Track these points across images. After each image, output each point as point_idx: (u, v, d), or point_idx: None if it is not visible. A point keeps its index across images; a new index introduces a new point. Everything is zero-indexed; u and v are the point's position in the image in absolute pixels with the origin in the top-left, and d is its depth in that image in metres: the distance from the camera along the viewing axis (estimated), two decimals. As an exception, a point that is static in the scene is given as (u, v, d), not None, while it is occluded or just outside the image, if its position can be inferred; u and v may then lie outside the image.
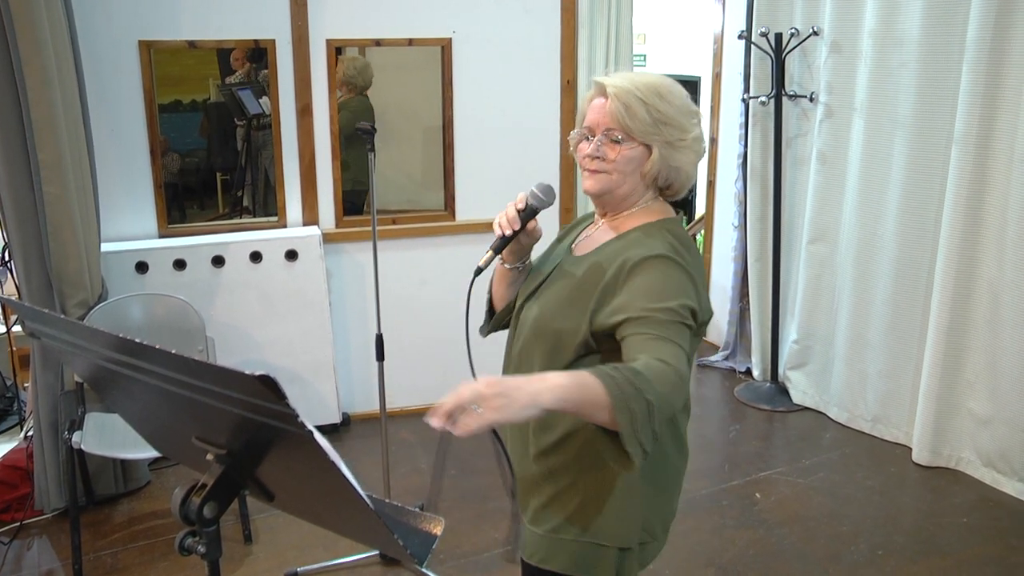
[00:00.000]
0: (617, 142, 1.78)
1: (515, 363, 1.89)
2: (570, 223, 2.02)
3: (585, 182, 1.84)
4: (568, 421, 1.79)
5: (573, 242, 1.96)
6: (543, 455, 1.84)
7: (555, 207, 4.70)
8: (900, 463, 4.35)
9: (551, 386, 1.41)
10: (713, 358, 5.71)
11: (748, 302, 5.39)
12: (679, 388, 1.55)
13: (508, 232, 1.85)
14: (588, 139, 1.83)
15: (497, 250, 1.87)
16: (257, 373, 1.11)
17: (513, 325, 1.96)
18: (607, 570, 1.82)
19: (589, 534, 1.81)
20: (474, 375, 1.58)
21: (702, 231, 6.41)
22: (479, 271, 1.85)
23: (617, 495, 1.80)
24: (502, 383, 1.38)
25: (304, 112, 4.38)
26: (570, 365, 1.75)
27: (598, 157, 1.80)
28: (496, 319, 2.06)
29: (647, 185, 1.83)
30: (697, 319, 1.71)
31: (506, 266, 1.96)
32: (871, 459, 4.40)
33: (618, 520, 1.81)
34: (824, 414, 4.89)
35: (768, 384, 5.22)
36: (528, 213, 1.86)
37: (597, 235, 1.89)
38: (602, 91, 1.80)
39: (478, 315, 2.08)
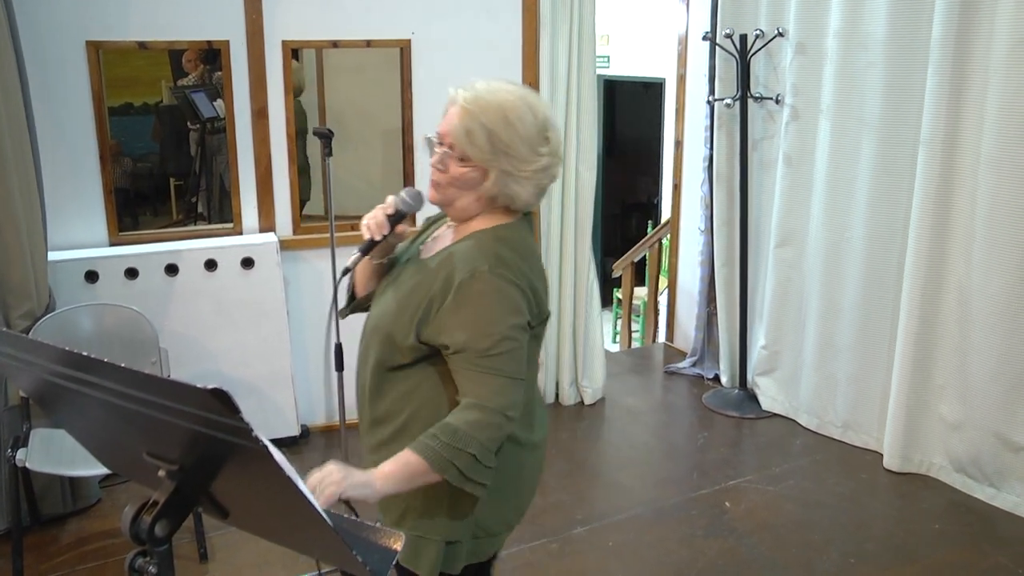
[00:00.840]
0: (459, 159, 1.85)
1: (359, 361, 2.00)
2: (408, 237, 2.08)
3: (429, 190, 1.93)
4: (396, 416, 1.91)
5: (423, 242, 2.07)
6: (377, 449, 1.95)
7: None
8: (871, 469, 4.39)
9: (381, 475, 1.72)
10: (680, 364, 5.73)
11: (715, 307, 5.42)
12: (500, 426, 1.76)
13: (377, 237, 1.94)
14: (439, 144, 1.89)
15: (364, 252, 1.96)
16: (209, 387, 1.11)
17: (366, 323, 2.05)
18: (429, 560, 1.93)
19: (416, 529, 1.94)
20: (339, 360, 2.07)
21: (668, 236, 6.44)
22: (347, 271, 1.98)
23: (445, 498, 1.91)
24: (346, 469, 1.70)
25: (259, 115, 4.35)
26: (404, 368, 1.87)
27: (440, 169, 1.88)
28: (356, 304, 2.16)
29: (486, 204, 1.90)
30: (532, 327, 1.85)
31: (373, 260, 2.04)
32: (842, 466, 4.44)
33: (448, 518, 1.93)
34: (794, 420, 4.93)
35: (736, 391, 5.24)
36: (396, 218, 1.95)
37: (442, 238, 2.00)
38: (455, 103, 1.87)
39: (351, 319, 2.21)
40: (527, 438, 2.00)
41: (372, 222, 1.94)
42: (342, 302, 2.19)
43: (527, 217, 1.98)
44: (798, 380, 4.91)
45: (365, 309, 2.11)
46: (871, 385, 4.51)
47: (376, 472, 1.73)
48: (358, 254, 1.96)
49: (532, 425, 2.01)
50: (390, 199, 1.96)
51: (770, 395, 5.08)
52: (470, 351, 1.77)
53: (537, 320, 1.88)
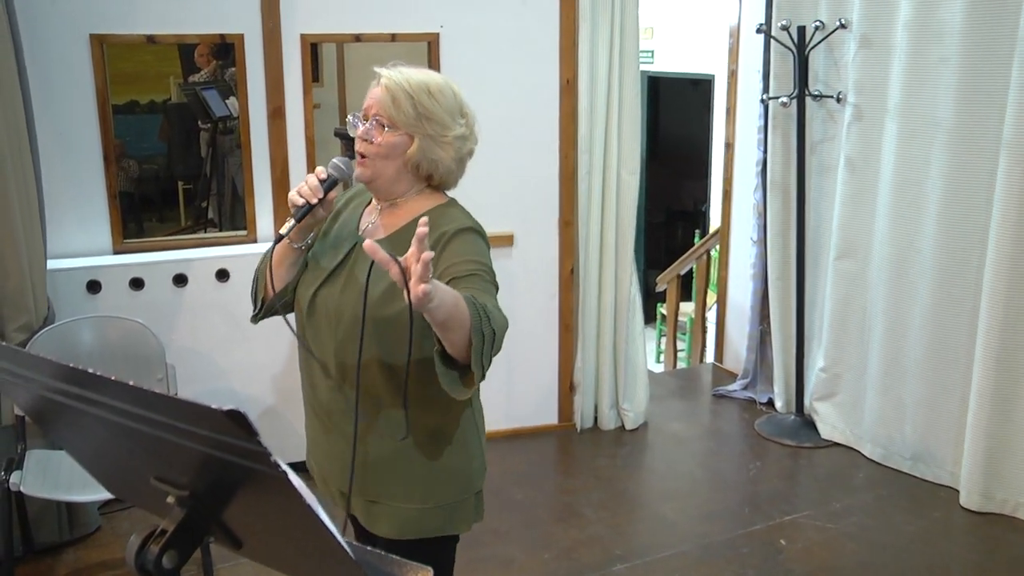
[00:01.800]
0: (384, 127, 2.12)
1: (338, 354, 2.14)
2: (332, 209, 2.25)
3: (356, 170, 2.16)
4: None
5: (359, 229, 2.25)
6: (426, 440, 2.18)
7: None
8: (945, 507, 4.32)
9: (441, 291, 1.75)
10: (730, 387, 5.70)
11: (769, 325, 5.39)
12: (504, 327, 1.92)
13: (313, 200, 2.10)
14: (363, 123, 2.16)
15: (299, 219, 2.11)
16: (225, 407, 1.11)
17: (308, 313, 2.20)
18: (467, 516, 2.27)
19: (449, 495, 2.22)
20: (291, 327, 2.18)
21: (716, 246, 6.41)
22: (281, 238, 2.13)
23: (461, 451, 2.22)
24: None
25: (276, 114, 4.38)
26: (412, 346, 1.98)
27: (366, 140, 2.13)
28: (270, 304, 2.28)
29: (411, 173, 2.17)
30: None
31: (293, 245, 2.19)
32: (911, 502, 4.38)
33: (470, 471, 2.25)
34: (856, 451, 4.87)
35: (792, 416, 5.20)
36: (329, 183, 2.13)
37: (387, 221, 2.21)
38: (378, 80, 2.15)
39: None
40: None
41: (305, 187, 2.11)
42: (255, 302, 2.35)
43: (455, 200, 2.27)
44: (861, 406, 4.85)
45: (284, 311, 2.26)
46: (944, 412, 4.44)
47: (439, 287, 1.77)
48: (292, 222, 2.11)
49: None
50: (319, 168, 2.16)
51: (830, 422, 5.03)
52: (474, 275, 2.02)
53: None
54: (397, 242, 2.12)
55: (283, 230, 2.12)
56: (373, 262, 1.73)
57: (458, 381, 1.92)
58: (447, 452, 2.21)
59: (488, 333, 1.85)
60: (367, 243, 1.70)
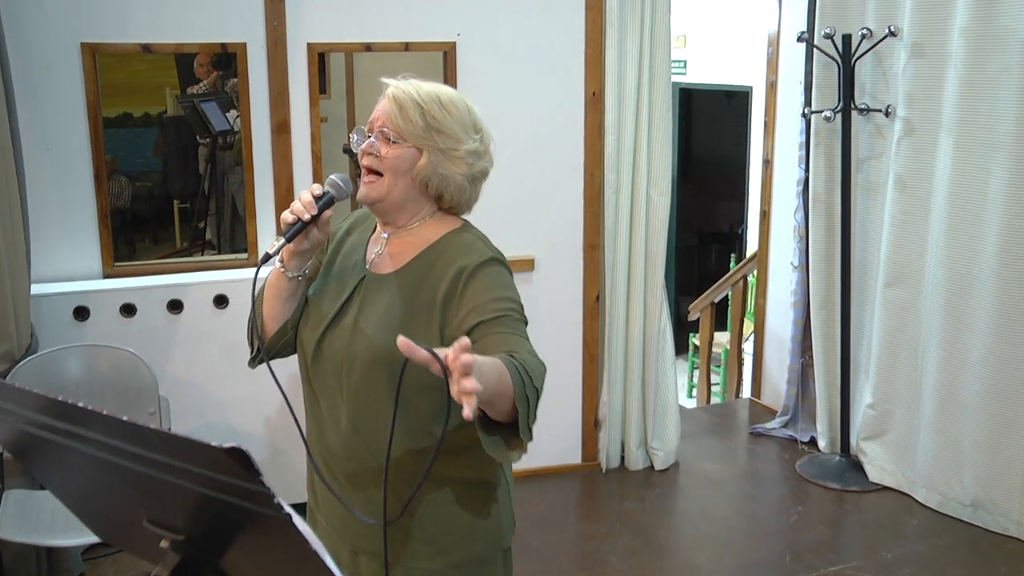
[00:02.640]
0: (390, 140, 2.09)
1: (352, 399, 2.09)
2: (330, 233, 2.20)
3: (360, 189, 2.13)
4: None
5: (366, 262, 2.20)
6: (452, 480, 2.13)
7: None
8: (1012, 561, 4.27)
9: (487, 372, 1.70)
10: (769, 425, 5.67)
11: (811, 357, 5.37)
12: (543, 379, 1.89)
13: (305, 216, 2.03)
14: (368, 137, 2.14)
15: (289, 238, 2.04)
16: (226, 445, 1.11)
17: (314, 358, 2.16)
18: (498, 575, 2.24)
19: (483, 548, 2.18)
20: (282, 391, 2.06)
21: (754, 272, 6.40)
22: (267, 257, 2.06)
23: (486, 501, 2.18)
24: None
25: (280, 129, 4.40)
26: (426, 390, 2.00)
27: (371, 153, 2.11)
28: (269, 345, 2.22)
29: (420, 192, 2.13)
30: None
31: (288, 273, 2.13)
32: (972, 554, 4.33)
33: (499, 523, 2.21)
34: (909, 496, 4.83)
35: (837, 457, 5.17)
36: (326, 201, 2.07)
37: (396, 250, 2.17)
38: (384, 93, 2.14)
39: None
40: None
41: (298, 204, 2.05)
42: (252, 343, 2.29)
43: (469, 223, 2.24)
44: (913, 446, 4.82)
45: (284, 352, 2.23)
46: (1008, 455, 4.40)
47: (481, 369, 1.70)
48: (281, 240, 2.05)
49: None
50: (314, 184, 2.12)
51: (879, 464, 4.99)
52: (503, 318, 1.98)
53: None
54: (407, 277, 2.10)
55: (270, 249, 2.05)
56: (407, 359, 1.65)
57: (503, 446, 1.86)
58: (474, 505, 2.16)
59: (533, 397, 1.82)
60: (400, 340, 1.60)
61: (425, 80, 2.16)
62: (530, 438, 1.84)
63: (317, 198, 2.06)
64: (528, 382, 1.81)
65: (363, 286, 2.15)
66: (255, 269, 2.09)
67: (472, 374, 1.57)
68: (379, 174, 2.10)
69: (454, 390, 1.58)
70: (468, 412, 1.55)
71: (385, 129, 2.10)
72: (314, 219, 2.05)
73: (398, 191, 2.11)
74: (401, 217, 2.16)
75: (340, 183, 2.11)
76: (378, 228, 2.23)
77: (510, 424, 1.83)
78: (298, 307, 2.19)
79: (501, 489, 2.21)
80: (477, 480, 2.16)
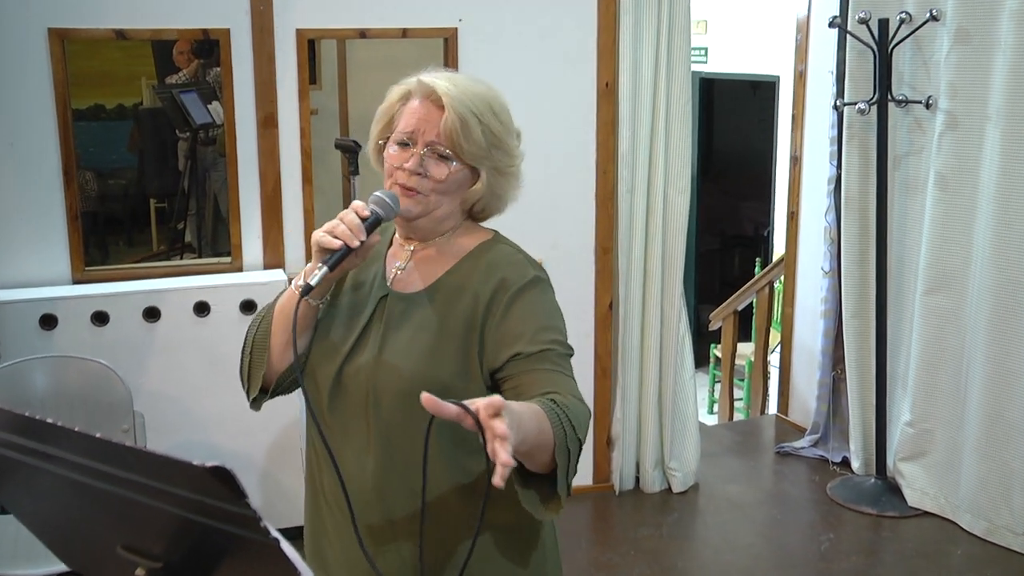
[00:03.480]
0: (444, 159, 1.97)
1: (382, 439, 1.99)
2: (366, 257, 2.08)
3: (401, 200, 2.00)
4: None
5: (386, 279, 2.09)
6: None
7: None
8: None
9: (526, 426, 1.67)
10: (798, 444, 5.67)
11: (843, 370, 5.36)
12: (587, 425, 1.87)
13: (354, 243, 1.90)
14: (407, 147, 1.99)
15: (332, 266, 1.91)
16: (208, 463, 1.11)
17: (333, 393, 2.03)
18: None
19: None
20: (312, 413, 2.00)
21: (781, 278, 6.39)
22: (308, 289, 1.91)
23: (531, 548, 2.10)
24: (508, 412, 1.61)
25: (267, 123, 4.40)
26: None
27: (419, 174, 1.97)
28: (280, 379, 2.11)
29: (461, 208, 2.07)
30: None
31: (311, 301, 2.00)
32: (1021, 585, 4.33)
33: (545, 572, 2.14)
34: (952, 522, 4.82)
35: (872, 480, 5.16)
36: (372, 222, 1.95)
37: (423, 265, 2.08)
38: (428, 95, 1.98)
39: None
40: None
41: (342, 226, 1.91)
42: (253, 380, 2.15)
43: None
44: (957, 468, 4.81)
45: (290, 387, 2.12)
46: (1061, 478, 4.40)
47: (519, 422, 1.65)
48: (324, 269, 1.90)
49: None
50: (357, 203, 1.96)
51: (918, 487, 4.98)
52: (546, 352, 1.93)
53: None
54: (439, 295, 2.03)
55: (313, 280, 1.89)
56: (432, 418, 1.61)
57: (537, 501, 1.81)
58: (519, 553, 2.08)
59: (575, 449, 1.79)
60: (424, 397, 1.57)
61: (447, 71, 2.05)
62: (568, 493, 1.80)
63: (364, 219, 1.93)
64: (570, 432, 1.77)
65: (385, 307, 2.04)
66: (294, 306, 1.93)
67: (507, 438, 1.54)
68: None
69: (490, 449, 1.55)
70: (499, 480, 1.52)
71: (439, 147, 1.97)
72: (361, 244, 1.92)
73: (443, 209, 2.03)
74: (436, 232, 2.07)
75: (388, 201, 1.97)
76: (397, 240, 2.14)
77: (548, 476, 1.78)
78: (311, 336, 2.06)
79: (546, 533, 2.13)
80: (519, 525, 2.04)
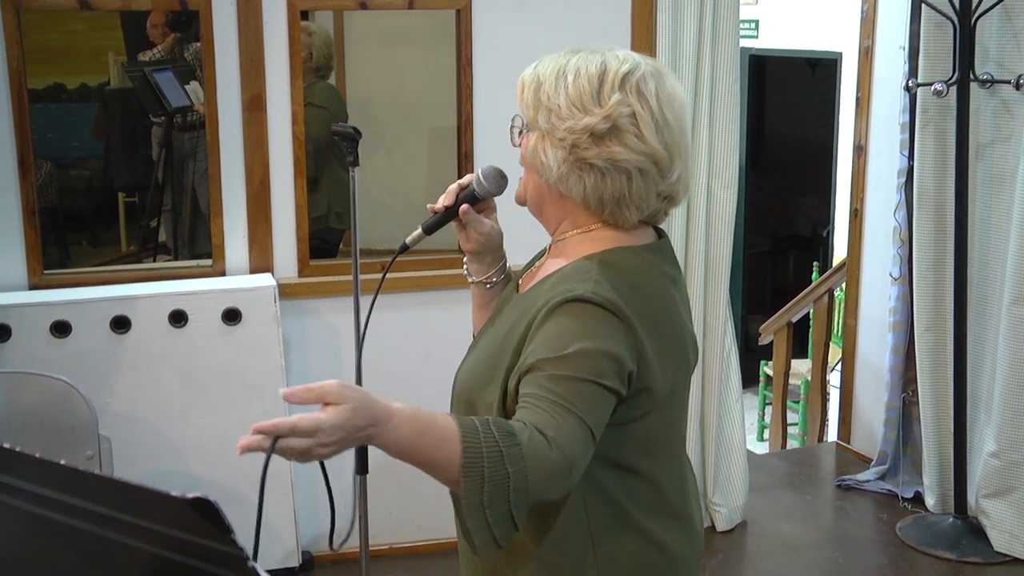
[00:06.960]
0: (516, 129, 2.14)
1: None
2: (484, 232, 2.29)
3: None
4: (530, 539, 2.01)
5: (521, 277, 2.27)
6: None
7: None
8: None
9: (401, 419, 1.72)
10: (861, 476, 5.66)
11: (915, 392, 5.35)
12: (558, 476, 1.78)
13: (439, 207, 2.21)
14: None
15: (427, 229, 2.24)
16: (190, 495, 1.12)
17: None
18: None
19: None
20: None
21: (842, 285, 6.38)
22: (405, 247, 2.25)
23: None
24: (350, 411, 1.72)
25: (254, 105, 4.40)
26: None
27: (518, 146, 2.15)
28: None
29: (554, 197, 2.09)
30: (628, 379, 1.93)
31: (471, 279, 2.30)
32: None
33: None
34: (1045, 568, 4.81)
35: (950, 519, 5.14)
36: (464, 196, 2.20)
37: (540, 269, 2.20)
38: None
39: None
40: (676, 544, 2.24)
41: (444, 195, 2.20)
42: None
43: (654, 246, 2.13)
44: (1049, 506, 4.80)
45: None
46: None
47: (397, 411, 1.73)
48: (419, 230, 2.23)
49: (683, 520, 2.24)
50: (470, 175, 2.23)
51: (1005, 528, 4.96)
52: (539, 370, 1.88)
53: (642, 377, 1.98)
54: (521, 303, 2.09)
55: (408, 239, 2.23)
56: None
57: (469, 537, 1.79)
58: None
59: (497, 478, 1.71)
60: (283, 391, 1.73)
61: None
62: (487, 534, 1.75)
63: (462, 188, 2.19)
64: (494, 457, 1.71)
65: (500, 309, 2.21)
66: (386, 266, 2.37)
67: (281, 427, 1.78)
68: None
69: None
70: (240, 445, 1.70)
71: (515, 116, 2.14)
72: (449, 212, 2.18)
73: (531, 189, 2.14)
74: (548, 224, 2.17)
75: (482, 178, 2.18)
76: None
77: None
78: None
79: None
80: (555, 564, 2.06)
